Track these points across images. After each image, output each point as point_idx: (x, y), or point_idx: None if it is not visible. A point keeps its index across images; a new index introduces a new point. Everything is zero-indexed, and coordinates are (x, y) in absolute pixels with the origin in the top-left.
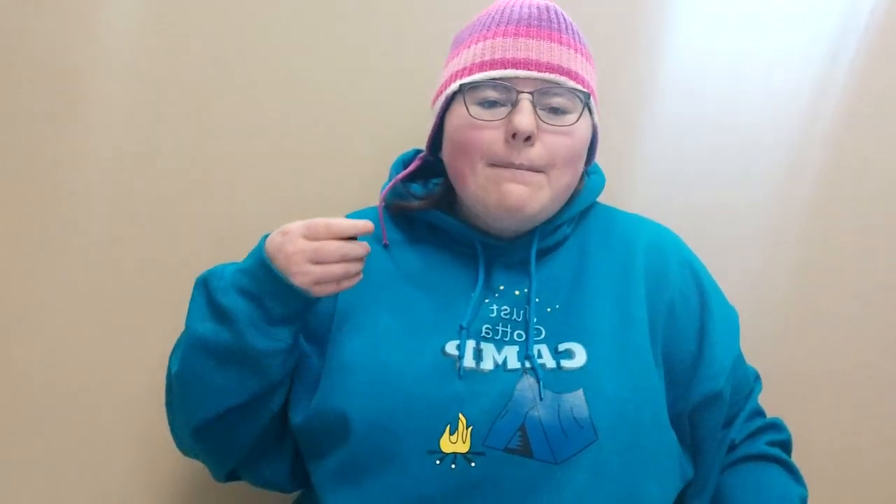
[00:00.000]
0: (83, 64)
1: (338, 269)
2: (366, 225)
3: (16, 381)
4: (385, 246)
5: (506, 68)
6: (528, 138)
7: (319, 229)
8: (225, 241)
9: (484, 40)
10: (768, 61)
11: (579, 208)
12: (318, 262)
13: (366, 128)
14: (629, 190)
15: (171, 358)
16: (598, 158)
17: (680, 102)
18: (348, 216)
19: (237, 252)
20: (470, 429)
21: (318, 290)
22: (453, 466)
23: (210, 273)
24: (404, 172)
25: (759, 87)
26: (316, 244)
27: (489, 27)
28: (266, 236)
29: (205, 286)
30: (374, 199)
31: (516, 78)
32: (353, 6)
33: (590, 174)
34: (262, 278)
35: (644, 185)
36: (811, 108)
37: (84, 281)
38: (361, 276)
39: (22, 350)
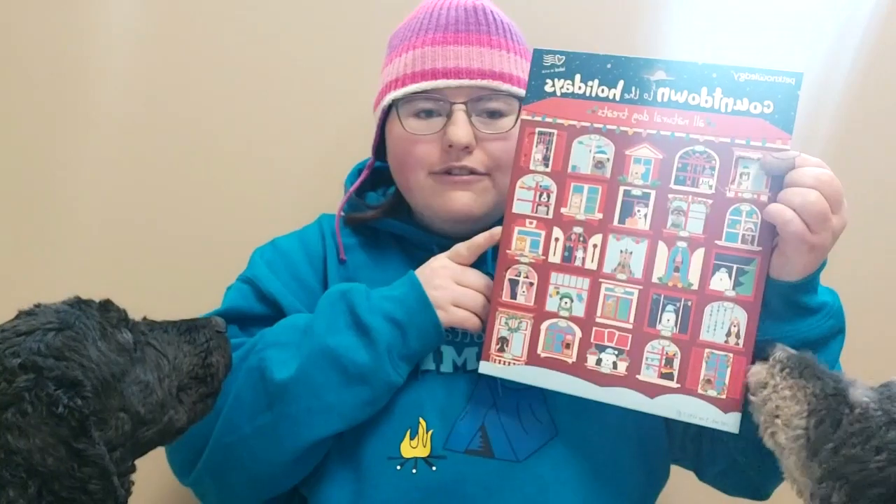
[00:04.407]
0: (83, 65)
1: (476, 296)
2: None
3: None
4: (342, 261)
5: (437, 79)
6: (465, 147)
7: (460, 250)
8: (222, 239)
9: (413, 49)
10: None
11: None
12: (459, 284)
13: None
14: None
15: (265, 361)
16: None
17: None
18: (305, 228)
19: (233, 250)
20: (430, 432)
21: (451, 313)
22: (414, 471)
23: (349, 289)
24: (356, 184)
25: None
26: (461, 268)
27: (418, 34)
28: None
29: (344, 299)
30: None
31: (448, 88)
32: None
33: None
34: (413, 307)
35: None
36: (811, 112)
37: (83, 281)
38: (482, 328)
39: None
